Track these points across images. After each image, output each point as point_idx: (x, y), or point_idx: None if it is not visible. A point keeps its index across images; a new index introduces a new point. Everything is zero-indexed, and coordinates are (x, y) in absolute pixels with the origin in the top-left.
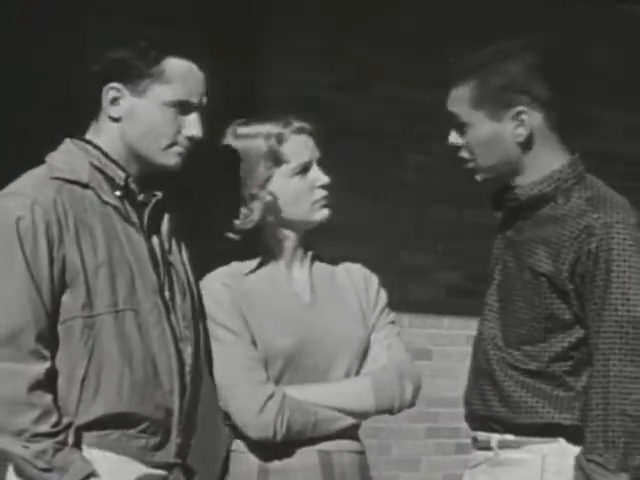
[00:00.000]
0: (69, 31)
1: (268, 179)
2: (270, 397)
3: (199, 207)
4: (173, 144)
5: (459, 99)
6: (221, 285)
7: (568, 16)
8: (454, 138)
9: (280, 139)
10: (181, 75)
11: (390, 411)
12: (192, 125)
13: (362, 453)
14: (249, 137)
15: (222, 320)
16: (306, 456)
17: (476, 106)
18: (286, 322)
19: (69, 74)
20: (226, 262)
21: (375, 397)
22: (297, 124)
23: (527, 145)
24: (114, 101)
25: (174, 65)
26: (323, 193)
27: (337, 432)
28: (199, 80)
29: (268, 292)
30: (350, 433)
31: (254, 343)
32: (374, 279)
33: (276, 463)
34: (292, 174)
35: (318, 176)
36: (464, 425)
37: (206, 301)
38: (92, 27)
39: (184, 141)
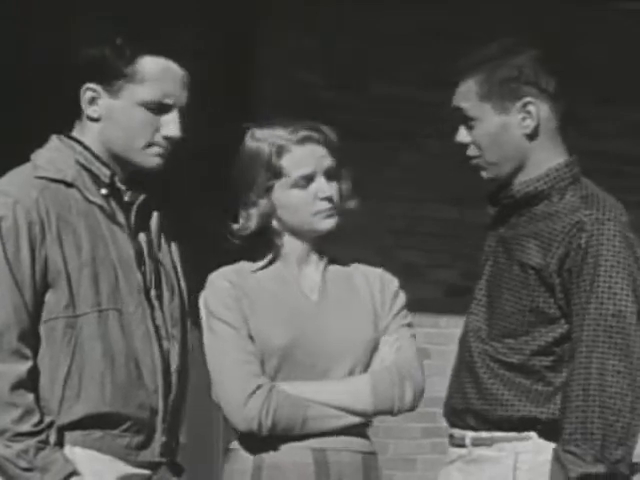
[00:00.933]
0: (66, 30)
1: (268, 189)
2: (257, 389)
3: (194, 207)
4: (150, 144)
5: (466, 93)
6: (224, 281)
7: (564, 15)
8: (462, 136)
9: (280, 151)
10: (156, 75)
11: (390, 412)
12: (169, 125)
13: (369, 453)
14: (258, 141)
15: (221, 314)
16: (300, 453)
17: (484, 99)
18: (286, 319)
19: (62, 73)
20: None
21: (373, 396)
22: (303, 133)
23: (533, 137)
24: (92, 101)
25: (149, 64)
26: (325, 205)
27: (336, 430)
28: (176, 79)
29: (273, 290)
30: (355, 431)
31: (251, 338)
32: (393, 282)
33: (270, 461)
34: (291, 186)
35: (321, 188)
36: None
37: (208, 296)
38: (88, 24)
39: (162, 141)
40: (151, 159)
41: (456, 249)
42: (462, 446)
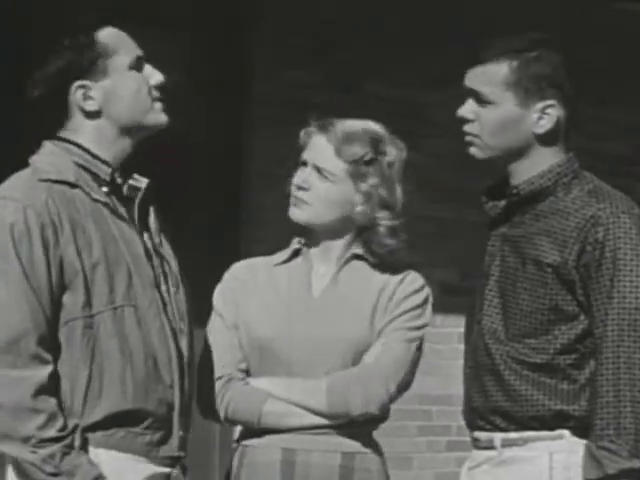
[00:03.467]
0: (66, 31)
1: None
2: (216, 379)
3: (192, 207)
4: (153, 101)
5: (490, 77)
6: (230, 275)
7: (558, 14)
8: (466, 112)
9: (307, 136)
10: (117, 39)
11: (348, 415)
12: (153, 75)
13: (353, 454)
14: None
15: (217, 306)
16: (269, 452)
17: (509, 87)
18: (274, 312)
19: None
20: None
21: (327, 397)
22: (319, 122)
23: (542, 137)
24: (85, 97)
25: (106, 35)
26: (294, 192)
27: (298, 428)
28: (127, 35)
29: (279, 284)
30: (340, 431)
31: (237, 328)
32: (412, 284)
33: (248, 459)
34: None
35: (297, 176)
36: (456, 423)
37: (216, 289)
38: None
39: (156, 93)
40: (160, 116)
41: (453, 248)
42: (490, 448)
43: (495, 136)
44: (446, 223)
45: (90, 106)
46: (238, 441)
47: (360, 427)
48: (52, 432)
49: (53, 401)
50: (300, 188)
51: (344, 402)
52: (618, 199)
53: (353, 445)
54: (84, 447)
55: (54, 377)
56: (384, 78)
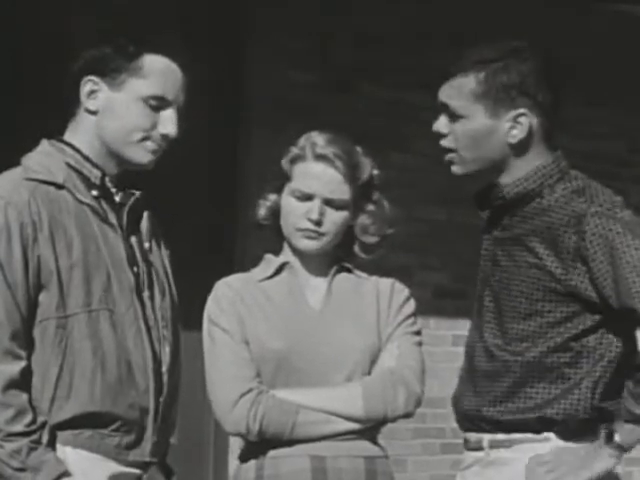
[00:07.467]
0: (63, 30)
1: (279, 188)
2: (246, 393)
3: (188, 207)
4: (146, 138)
5: (460, 89)
6: (225, 287)
7: (552, 16)
8: (441, 126)
9: (295, 158)
10: (158, 71)
11: (383, 417)
12: (167, 122)
13: (373, 457)
14: (297, 141)
15: (217, 319)
16: (298, 461)
17: (478, 99)
18: (283, 325)
19: (59, 75)
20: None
21: (364, 402)
22: (321, 151)
23: (517, 147)
24: (91, 94)
25: (152, 61)
26: (309, 225)
27: (329, 436)
28: (176, 78)
29: (276, 298)
30: (358, 436)
31: (247, 343)
32: (403, 292)
33: (270, 470)
34: (291, 193)
35: (312, 209)
36: (450, 425)
37: (209, 302)
38: (87, 26)
39: (158, 138)
40: (144, 154)
41: (445, 251)
42: (479, 449)
43: (471, 150)
44: (439, 226)
45: (91, 105)
46: (244, 457)
47: (373, 431)
48: (20, 427)
49: (23, 396)
50: (317, 223)
51: (382, 405)
52: (601, 194)
53: (372, 449)
54: (52, 444)
55: (26, 373)
56: (381, 79)
